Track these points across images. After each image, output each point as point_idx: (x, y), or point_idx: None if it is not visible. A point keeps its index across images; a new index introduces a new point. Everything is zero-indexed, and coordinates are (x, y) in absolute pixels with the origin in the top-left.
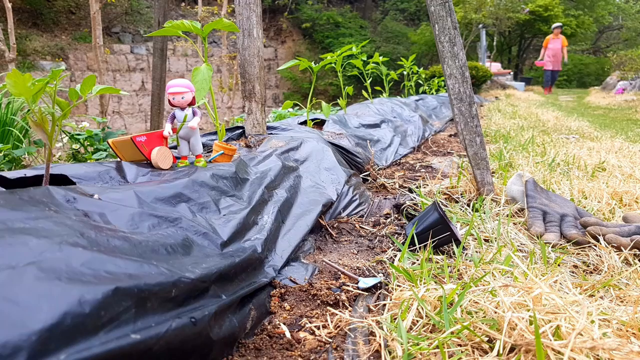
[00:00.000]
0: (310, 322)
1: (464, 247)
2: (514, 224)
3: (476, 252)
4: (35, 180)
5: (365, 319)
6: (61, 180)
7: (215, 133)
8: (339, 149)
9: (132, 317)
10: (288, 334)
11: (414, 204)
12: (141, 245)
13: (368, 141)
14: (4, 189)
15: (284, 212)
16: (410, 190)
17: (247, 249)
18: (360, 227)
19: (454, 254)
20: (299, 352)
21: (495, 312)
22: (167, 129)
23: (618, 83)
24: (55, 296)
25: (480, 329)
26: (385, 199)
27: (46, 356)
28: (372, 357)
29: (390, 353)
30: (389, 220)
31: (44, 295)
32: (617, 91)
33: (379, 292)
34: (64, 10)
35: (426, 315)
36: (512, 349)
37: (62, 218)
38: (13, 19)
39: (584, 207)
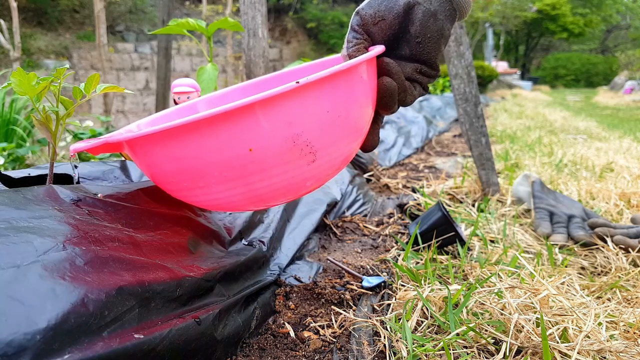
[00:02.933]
0: (314, 322)
1: (469, 247)
2: (520, 224)
3: (481, 252)
4: (39, 180)
5: (370, 318)
6: (65, 179)
7: None
8: None
9: (136, 317)
10: (292, 334)
11: (418, 204)
12: (145, 244)
13: None
14: (8, 188)
15: (289, 211)
16: (414, 190)
17: (253, 248)
18: (364, 226)
19: (458, 254)
20: (303, 352)
21: (502, 314)
22: None
23: (626, 83)
24: (59, 295)
25: (486, 330)
26: (388, 198)
27: (50, 355)
28: (376, 358)
29: (395, 354)
30: (392, 219)
31: (48, 295)
32: (625, 91)
33: (383, 291)
34: (68, 9)
35: (431, 316)
36: (518, 351)
37: (66, 217)
38: (18, 18)
39: (592, 208)
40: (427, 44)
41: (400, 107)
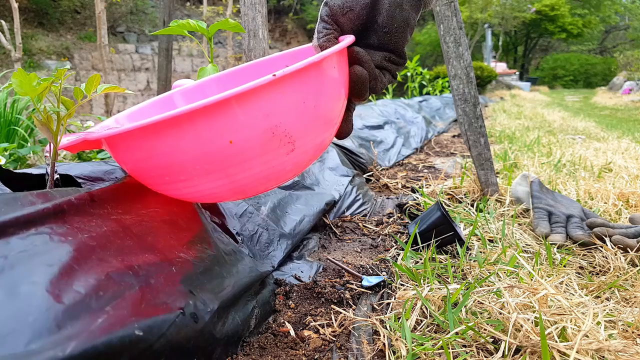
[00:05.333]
0: (314, 321)
1: (467, 247)
2: (519, 224)
3: (480, 252)
4: (40, 178)
5: (369, 317)
6: (66, 179)
7: None
8: (342, 150)
9: (139, 294)
10: (292, 333)
11: (417, 204)
12: (135, 225)
13: (371, 142)
14: (8, 189)
15: (286, 208)
16: (413, 190)
17: (239, 240)
18: (363, 226)
19: (457, 254)
20: (303, 351)
21: (501, 313)
22: None
23: (625, 83)
24: (50, 282)
25: (485, 329)
26: (388, 198)
27: (51, 331)
28: (376, 357)
29: (394, 353)
30: (391, 219)
31: (37, 280)
32: (624, 91)
33: (382, 290)
34: (69, 10)
35: (430, 315)
36: (517, 351)
37: (56, 211)
38: (19, 19)
39: (590, 208)
40: (394, 33)
41: (399, 108)
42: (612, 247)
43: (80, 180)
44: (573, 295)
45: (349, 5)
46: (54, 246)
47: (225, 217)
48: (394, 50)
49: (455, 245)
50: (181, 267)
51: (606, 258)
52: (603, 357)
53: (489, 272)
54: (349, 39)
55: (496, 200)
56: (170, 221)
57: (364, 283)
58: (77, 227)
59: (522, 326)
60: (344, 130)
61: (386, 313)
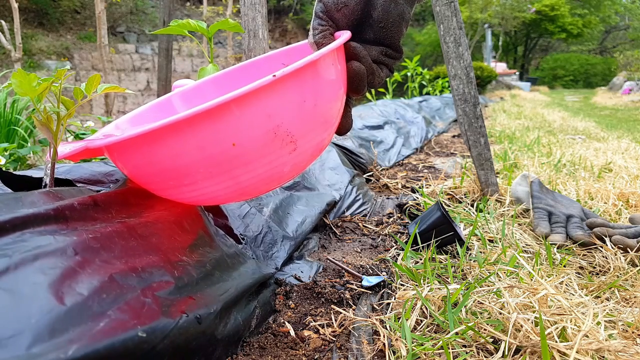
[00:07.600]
0: (314, 321)
1: (467, 247)
2: (519, 224)
3: (480, 252)
4: (40, 180)
5: (369, 317)
6: (64, 183)
7: None
8: (343, 150)
9: (139, 296)
10: (292, 333)
11: (417, 204)
12: (140, 226)
13: (371, 142)
14: (9, 189)
15: (288, 209)
16: (413, 190)
17: (242, 242)
18: (363, 226)
19: (457, 254)
20: (303, 351)
21: (501, 313)
22: None
23: (625, 83)
24: (51, 284)
25: (485, 329)
26: (388, 198)
27: (54, 334)
28: (376, 357)
29: (394, 353)
30: (391, 219)
31: (39, 284)
32: (624, 91)
33: (382, 290)
34: (69, 10)
35: (430, 315)
36: (517, 351)
37: (59, 215)
38: (19, 19)
39: (590, 208)
40: (390, 28)
41: (399, 108)
42: (612, 247)
43: (79, 185)
44: (573, 295)
45: (344, 1)
46: (57, 247)
47: (228, 218)
48: (391, 45)
49: (455, 245)
50: (184, 269)
51: (606, 258)
52: (603, 357)
53: (489, 272)
54: (346, 35)
55: (496, 200)
56: (176, 222)
57: (364, 283)
58: (81, 227)
59: (522, 326)
60: (344, 125)
61: (386, 313)
